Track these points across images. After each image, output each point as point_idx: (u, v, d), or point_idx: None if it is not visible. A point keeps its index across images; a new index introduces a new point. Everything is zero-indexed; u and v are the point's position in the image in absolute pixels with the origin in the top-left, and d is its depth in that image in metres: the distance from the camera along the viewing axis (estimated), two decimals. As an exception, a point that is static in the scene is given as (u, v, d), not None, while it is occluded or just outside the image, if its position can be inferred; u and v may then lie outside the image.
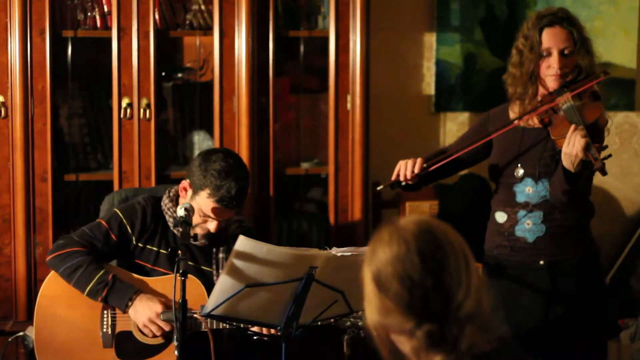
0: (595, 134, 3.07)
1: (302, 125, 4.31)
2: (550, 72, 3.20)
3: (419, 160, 3.25)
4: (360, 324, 2.92)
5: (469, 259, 1.78)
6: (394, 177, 3.27)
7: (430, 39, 4.66)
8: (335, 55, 4.07)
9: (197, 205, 3.26)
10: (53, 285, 3.28)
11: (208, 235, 3.32)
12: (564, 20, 3.20)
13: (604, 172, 2.99)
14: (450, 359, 1.76)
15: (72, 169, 4.01)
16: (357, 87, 4.06)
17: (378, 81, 4.51)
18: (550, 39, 3.20)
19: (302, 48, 4.25)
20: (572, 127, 3.05)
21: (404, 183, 3.27)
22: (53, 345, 3.27)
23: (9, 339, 3.74)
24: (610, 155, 3.02)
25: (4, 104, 3.84)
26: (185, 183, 3.33)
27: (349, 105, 4.09)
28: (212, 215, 3.26)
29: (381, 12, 4.51)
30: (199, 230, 3.30)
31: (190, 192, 3.31)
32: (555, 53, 3.19)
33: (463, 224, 2.77)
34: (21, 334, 3.65)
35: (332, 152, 4.12)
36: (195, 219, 3.26)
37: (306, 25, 4.18)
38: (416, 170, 3.24)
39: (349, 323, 3.05)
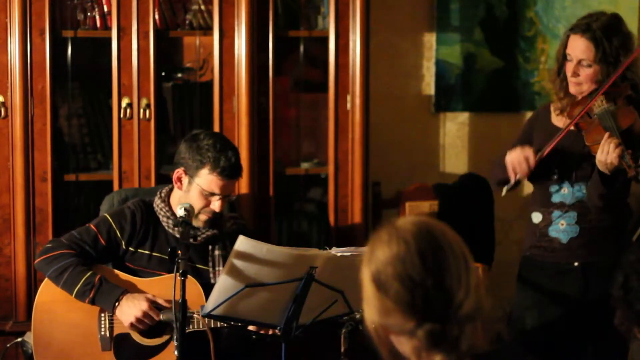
0: (630, 140, 3.05)
1: (302, 125, 4.31)
2: (569, 76, 3.21)
3: (531, 155, 3.18)
4: (357, 317, 2.91)
5: (468, 258, 1.78)
6: (513, 179, 3.21)
7: (430, 39, 4.66)
8: (335, 55, 4.07)
9: (197, 189, 3.24)
10: (49, 291, 3.27)
11: (211, 220, 3.30)
12: (591, 30, 3.14)
13: (639, 180, 2.97)
14: (450, 359, 1.76)
15: (72, 169, 4.01)
16: (357, 87, 4.06)
17: (378, 81, 4.50)
18: (571, 46, 3.20)
19: (302, 48, 4.25)
20: (606, 135, 3.03)
21: (524, 180, 3.23)
22: (51, 351, 3.26)
23: (8, 345, 3.74)
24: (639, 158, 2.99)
25: (4, 104, 3.84)
26: (179, 172, 3.31)
27: (348, 105, 4.09)
28: (217, 191, 3.24)
29: (381, 12, 4.51)
30: (202, 217, 3.29)
31: (186, 179, 3.29)
32: (573, 61, 3.18)
33: (463, 224, 2.78)
34: (20, 339, 3.65)
35: (332, 152, 4.12)
36: (197, 206, 3.25)
37: (306, 25, 4.18)
38: (532, 166, 3.19)
39: (345, 317, 3.04)
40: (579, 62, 3.17)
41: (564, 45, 3.22)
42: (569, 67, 3.20)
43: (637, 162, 2.96)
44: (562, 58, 3.24)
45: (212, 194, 3.25)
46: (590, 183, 3.15)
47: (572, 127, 3.22)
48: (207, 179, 3.24)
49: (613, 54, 3.14)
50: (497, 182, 3.37)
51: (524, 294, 3.38)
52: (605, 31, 3.14)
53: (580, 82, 3.19)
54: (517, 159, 3.19)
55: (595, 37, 3.13)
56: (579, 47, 3.16)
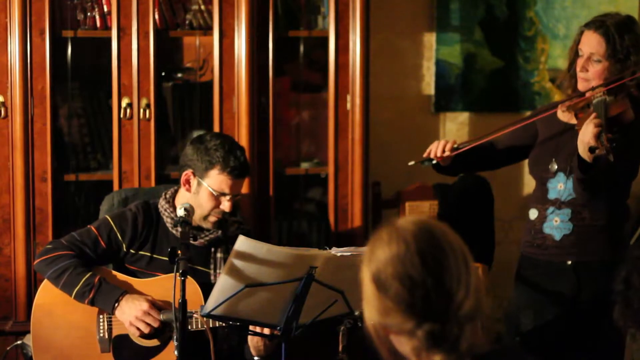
0: (615, 127, 3.06)
1: (302, 125, 4.31)
2: (578, 71, 3.22)
3: (451, 141, 3.28)
4: (356, 314, 2.91)
5: (468, 258, 1.78)
6: (425, 155, 3.30)
7: (430, 39, 4.66)
8: (335, 55, 4.07)
9: (207, 190, 3.24)
10: (47, 293, 3.26)
11: (220, 221, 3.30)
12: (605, 27, 3.16)
13: (608, 158, 2.97)
14: (450, 359, 1.76)
15: (72, 169, 4.01)
16: (357, 87, 4.06)
17: (378, 81, 4.50)
18: (584, 41, 3.21)
19: (302, 48, 4.25)
20: (592, 115, 3.06)
21: (434, 161, 3.29)
22: (51, 353, 3.25)
23: (8, 348, 3.74)
24: (617, 141, 2.98)
25: (4, 104, 3.84)
26: (187, 174, 3.31)
27: (348, 105, 4.09)
28: (227, 191, 3.25)
29: (381, 12, 4.51)
30: (212, 219, 3.29)
31: (195, 181, 3.29)
32: (584, 56, 3.19)
33: (463, 224, 2.78)
34: (20, 342, 3.65)
35: (332, 152, 4.12)
36: (207, 208, 3.25)
37: (306, 25, 4.18)
38: (447, 150, 3.25)
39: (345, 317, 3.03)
40: (589, 57, 3.18)
41: (577, 41, 3.24)
42: (579, 63, 3.21)
43: (612, 145, 2.96)
44: (574, 54, 3.25)
45: (223, 194, 3.25)
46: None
47: (564, 119, 3.27)
48: (217, 179, 3.24)
49: (623, 52, 3.15)
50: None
51: (519, 293, 3.39)
52: (618, 28, 3.17)
53: (589, 78, 3.20)
54: (438, 142, 3.29)
55: (608, 33, 3.16)
56: (590, 42, 3.18)
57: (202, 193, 3.27)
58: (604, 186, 3.18)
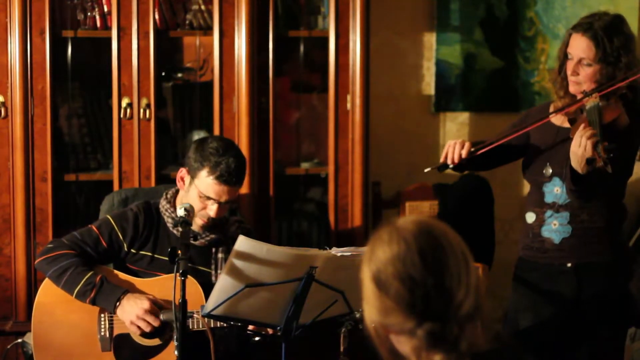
0: (610, 134, 3.03)
1: (302, 125, 4.31)
2: (569, 74, 3.20)
3: (467, 145, 3.25)
4: (357, 316, 2.91)
5: (468, 258, 1.78)
6: (442, 160, 3.28)
7: (430, 39, 4.66)
8: (335, 55, 4.07)
9: (196, 190, 3.24)
10: (49, 291, 3.27)
11: (208, 225, 3.30)
12: (592, 29, 3.13)
13: (607, 170, 2.96)
14: (450, 358, 1.76)
15: (72, 169, 4.01)
16: (357, 87, 4.06)
17: (378, 81, 4.51)
18: (573, 45, 3.18)
19: (302, 48, 4.25)
20: (582, 126, 3.03)
21: (451, 166, 3.28)
22: (51, 351, 3.25)
23: (8, 346, 3.74)
24: (614, 151, 2.97)
25: (4, 104, 3.84)
26: (182, 171, 3.32)
27: (348, 105, 4.09)
28: (212, 196, 3.24)
29: (381, 12, 4.51)
30: (198, 221, 3.28)
31: (188, 179, 3.29)
32: (574, 60, 3.17)
33: (463, 224, 2.78)
34: (20, 340, 3.65)
35: (332, 152, 4.12)
36: (195, 208, 3.24)
37: (306, 25, 4.19)
38: (464, 155, 3.24)
39: (346, 317, 3.03)
40: (579, 61, 3.16)
41: (566, 44, 3.21)
42: (569, 66, 3.19)
43: (609, 154, 2.94)
44: (564, 57, 3.23)
45: (208, 198, 3.25)
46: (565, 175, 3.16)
47: (557, 123, 3.25)
48: (204, 182, 3.24)
49: (614, 54, 3.12)
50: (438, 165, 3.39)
51: (518, 295, 3.38)
52: (606, 31, 3.13)
53: (580, 81, 3.18)
54: (454, 144, 3.26)
55: (597, 37, 3.12)
56: (579, 46, 3.16)
57: (192, 192, 3.27)
58: (597, 193, 3.16)
